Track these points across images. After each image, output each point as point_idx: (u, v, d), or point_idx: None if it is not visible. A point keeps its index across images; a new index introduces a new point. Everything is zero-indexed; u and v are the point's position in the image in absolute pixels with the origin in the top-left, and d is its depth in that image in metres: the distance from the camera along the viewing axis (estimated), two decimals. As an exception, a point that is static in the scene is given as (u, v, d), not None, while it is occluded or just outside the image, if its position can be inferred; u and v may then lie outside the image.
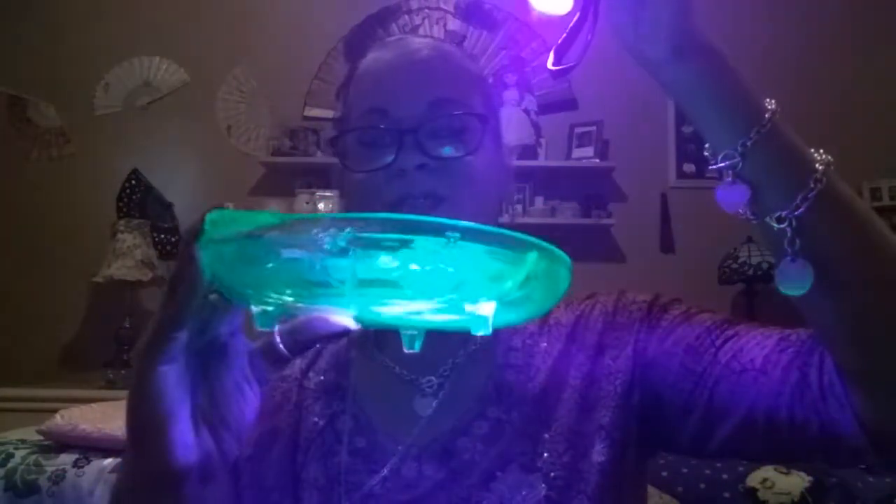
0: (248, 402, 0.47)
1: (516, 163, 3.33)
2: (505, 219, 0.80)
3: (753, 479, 1.60)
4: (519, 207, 3.36)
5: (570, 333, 0.71)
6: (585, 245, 3.37)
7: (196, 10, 3.56)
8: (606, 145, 3.45)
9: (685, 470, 1.64)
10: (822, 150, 0.51)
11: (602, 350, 0.69)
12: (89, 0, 3.58)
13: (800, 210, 0.49)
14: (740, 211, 0.51)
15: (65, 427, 1.78)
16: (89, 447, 1.76)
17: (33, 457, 1.75)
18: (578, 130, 3.47)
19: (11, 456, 1.76)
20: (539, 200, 3.38)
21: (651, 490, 1.58)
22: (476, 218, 0.67)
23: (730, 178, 0.50)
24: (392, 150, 0.66)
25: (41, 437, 1.82)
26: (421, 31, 3.55)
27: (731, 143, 0.50)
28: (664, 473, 1.62)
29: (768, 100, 0.51)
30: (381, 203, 0.65)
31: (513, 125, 3.36)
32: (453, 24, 3.55)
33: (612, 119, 3.43)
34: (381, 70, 0.70)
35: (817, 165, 0.50)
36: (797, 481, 1.59)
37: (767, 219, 0.50)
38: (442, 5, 3.58)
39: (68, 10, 3.55)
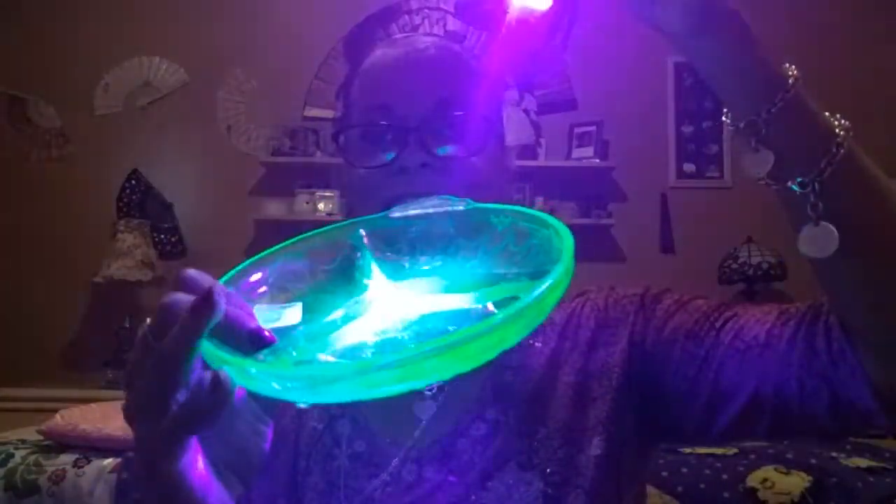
0: (263, 436, 0.47)
1: (516, 163, 3.32)
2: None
3: (753, 479, 1.60)
4: (519, 207, 3.36)
5: (562, 332, 0.72)
6: (585, 245, 3.35)
7: (196, 10, 3.56)
8: (606, 145, 3.45)
9: (685, 470, 1.64)
10: (839, 116, 0.51)
11: (595, 346, 0.70)
12: (89, 0, 3.58)
13: (824, 174, 0.49)
14: (760, 177, 0.51)
15: (65, 427, 1.78)
16: (89, 447, 1.76)
17: (33, 457, 1.75)
18: (578, 130, 3.47)
19: (11, 456, 1.76)
20: (539, 200, 3.38)
21: (651, 490, 1.58)
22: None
23: (753, 146, 0.50)
24: (395, 147, 0.66)
25: (41, 437, 1.83)
26: (421, 30, 3.55)
27: (754, 111, 0.50)
28: (664, 473, 1.62)
29: (789, 65, 0.51)
30: (381, 199, 0.65)
31: (513, 125, 3.36)
32: (453, 24, 3.55)
33: (612, 119, 3.43)
34: (388, 67, 0.70)
35: (838, 131, 0.50)
36: (797, 481, 1.59)
37: (790, 184, 0.50)
38: (442, 5, 3.58)
39: (68, 10, 3.55)
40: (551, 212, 3.34)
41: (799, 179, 0.49)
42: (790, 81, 0.50)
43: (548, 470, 0.64)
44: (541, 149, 3.43)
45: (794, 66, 0.51)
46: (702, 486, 1.60)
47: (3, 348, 3.26)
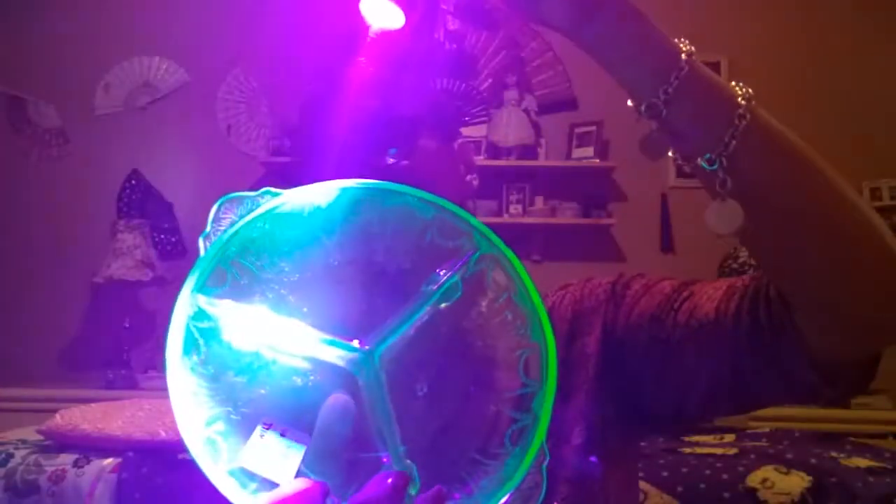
0: None
1: (516, 163, 3.33)
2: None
3: (753, 479, 1.60)
4: (519, 207, 3.36)
5: None
6: (585, 245, 3.36)
7: (196, 10, 3.56)
8: (606, 145, 3.45)
9: (685, 470, 1.64)
10: (741, 84, 0.50)
11: (573, 337, 0.71)
12: (89, 1, 3.58)
13: (728, 149, 0.47)
14: (671, 155, 0.51)
15: (65, 427, 1.78)
16: (89, 447, 1.76)
17: (33, 457, 1.75)
18: (578, 130, 3.47)
19: (11, 456, 1.76)
20: (539, 200, 3.38)
21: (651, 490, 1.58)
22: None
23: (655, 127, 0.49)
24: (335, 164, 0.67)
25: (41, 437, 1.83)
26: (421, 31, 3.54)
27: (653, 91, 0.48)
28: (664, 473, 1.62)
29: (681, 40, 0.50)
30: None
31: (513, 125, 3.35)
32: (453, 24, 3.55)
33: (612, 119, 3.43)
34: (319, 94, 0.73)
35: (740, 100, 0.48)
36: (797, 481, 1.58)
37: (699, 160, 0.49)
38: (442, 5, 3.57)
39: (68, 10, 3.55)
40: (552, 211, 3.34)
41: (707, 156, 0.48)
42: (683, 58, 0.48)
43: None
44: (541, 149, 3.43)
45: (686, 41, 0.49)
46: (702, 486, 1.60)
47: (3, 348, 3.26)
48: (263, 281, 0.44)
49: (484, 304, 0.44)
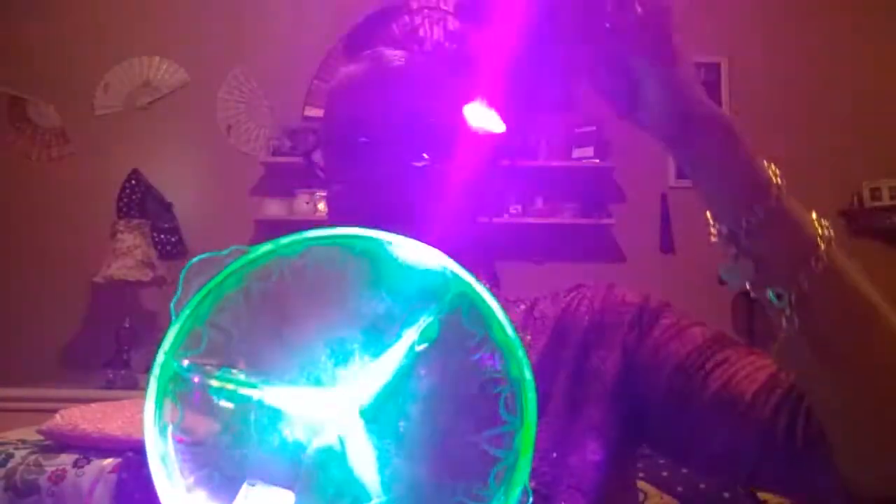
0: None
1: (516, 162, 3.32)
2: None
3: (753, 479, 1.60)
4: (519, 207, 3.36)
5: (555, 327, 0.71)
6: (585, 245, 3.36)
7: (196, 10, 3.56)
8: (606, 145, 3.45)
9: (685, 470, 1.64)
10: (824, 221, 0.49)
11: (587, 348, 0.69)
12: (89, 1, 3.58)
13: (801, 288, 0.47)
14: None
15: (65, 427, 1.78)
16: (89, 447, 1.76)
17: (33, 457, 1.75)
18: (578, 130, 3.47)
19: (11, 456, 1.75)
20: (539, 200, 3.38)
21: (651, 490, 1.58)
22: (449, 223, 0.65)
23: (733, 254, 0.49)
24: (368, 161, 0.67)
25: (41, 437, 1.82)
26: (421, 31, 3.54)
27: (735, 218, 0.48)
28: (664, 473, 1.62)
29: (774, 170, 0.49)
30: (358, 218, 0.66)
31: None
32: (453, 24, 3.55)
33: (612, 119, 3.42)
34: (357, 83, 0.71)
35: (819, 241, 0.48)
36: (797, 481, 1.59)
37: (767, 292, 0.48)
38: (442, 5, 3.57)
39: (68, 10, 3.55)
40: (552, 211, 3.34)
41: (776, 291, 0.47)
42: (773, 192, 0.48)
43: (539, 469, 0.64)
44: (541, 149, 3.43)
45: (778, 172, 0.49)
46: (702, 486, 1.60)
47: (3, 348, 3.26)
48: (239, 338, 0.45)
49: (461, 342, 0.44)
